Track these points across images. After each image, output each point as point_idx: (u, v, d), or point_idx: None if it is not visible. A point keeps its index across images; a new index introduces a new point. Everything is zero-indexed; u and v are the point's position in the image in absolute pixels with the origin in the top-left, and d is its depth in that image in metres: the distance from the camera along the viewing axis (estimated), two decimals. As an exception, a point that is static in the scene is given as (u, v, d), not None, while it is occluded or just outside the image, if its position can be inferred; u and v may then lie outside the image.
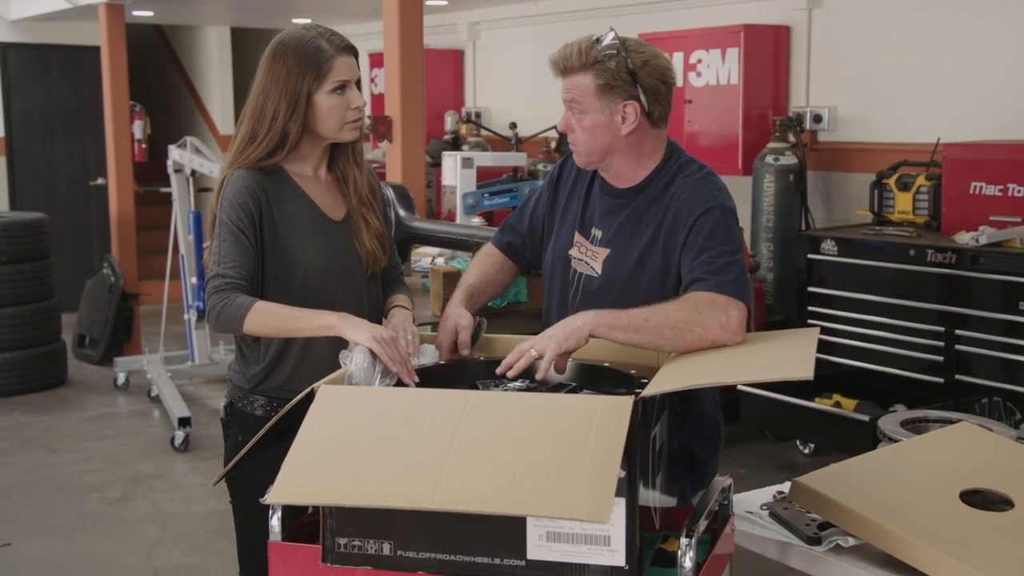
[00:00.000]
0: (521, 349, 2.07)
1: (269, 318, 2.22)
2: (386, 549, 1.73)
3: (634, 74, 2.22)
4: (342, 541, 1.75)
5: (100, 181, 8.69)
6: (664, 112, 2.30)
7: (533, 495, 1.58)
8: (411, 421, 1.73)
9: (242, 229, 2.30)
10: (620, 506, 1.65)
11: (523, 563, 1.69)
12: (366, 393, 1.91)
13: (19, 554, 4.48)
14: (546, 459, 1.62)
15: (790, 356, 1.95)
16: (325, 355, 2.34)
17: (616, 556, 1.66)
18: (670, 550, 1.82)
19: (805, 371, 1.82)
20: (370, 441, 1.71)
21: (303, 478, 1.69)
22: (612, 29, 2.26)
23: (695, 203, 2.23)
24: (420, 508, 1.61)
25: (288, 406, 1.95)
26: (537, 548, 1.68)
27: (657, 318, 2.05)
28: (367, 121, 4.99)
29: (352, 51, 2.37)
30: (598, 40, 2.23)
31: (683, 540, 1.72)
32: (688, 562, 1.72)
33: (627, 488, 1.66)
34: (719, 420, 2.43)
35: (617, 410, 1.67)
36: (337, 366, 2.08)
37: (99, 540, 4.62)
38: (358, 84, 2.40)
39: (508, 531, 1.68)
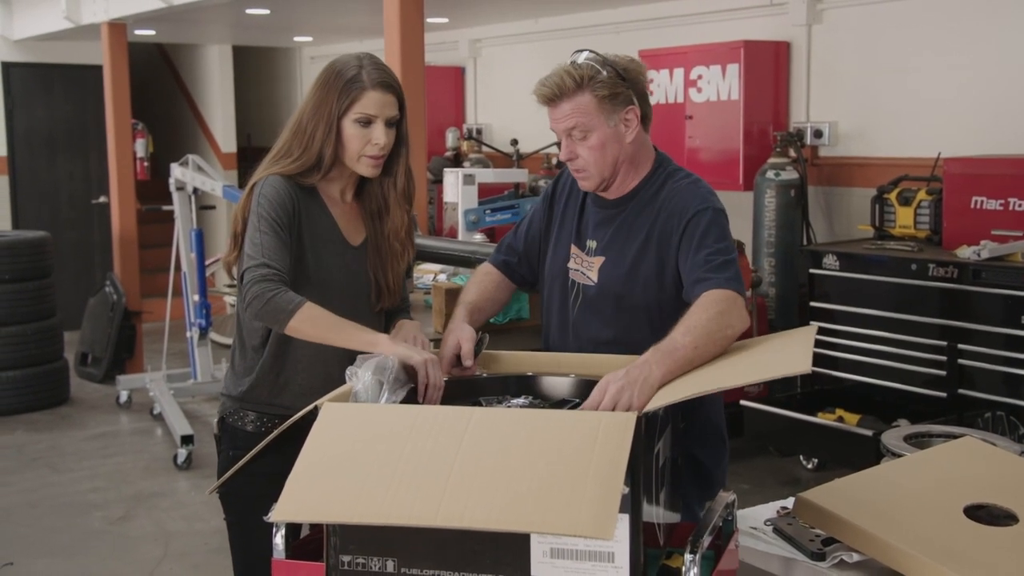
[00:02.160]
0: (605, 403, 1.92)
1: (319, 320, 2.20)
2: (390, 566, 1.73)
3: (625, 79, 2.26)
4: (346, 559, 1.75)
5: (102, 199, 8.72)
6: (650, 114, 2.35)
7: (537, 512, 1.58)
8: (415, 438, 1.73)
9: (281, 226, 2.30)
10: (624, 523, 1.65)
11: None
12: (370, 410, 1.91)
13: (21, 574, 4.46)
14: (549, 476, 1.62)
15: (787, 353, 1.96)
16: (319, 373, 2.35)
17: (620, 573, 1.66)
18: (674, 566, 1.81)
19: (803, 366, 1.85)
20: (373, 458, 1.71)
21: (307, 496, 1.68)
22: (581, 50, 2.29)
23: (686, 205, 2.28)
24: (424, 525, 1.61)
25: (289, 422, 1.95)
26: (541, 565, 1.68)
27: (700, 339, 2.04)
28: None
29: (390, 88, 2.35)
30: (573, 63, 2.26)
31: (687, 556, 1.72)
32: None
33: (631, 504, 1.66)
34: (722, 425, 2.44)
35: (620, 426, 1.67)
36: (329, 385, 2.08)
37: (102, 559, 4.61)
38: (396, 124, 2.38)
39: (512, 548, 1.68)
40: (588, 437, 1.66)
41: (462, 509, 1.59)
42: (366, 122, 2.33)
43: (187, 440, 5.80)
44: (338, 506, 1.67)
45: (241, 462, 2.10)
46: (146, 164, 8.43)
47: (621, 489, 1.58)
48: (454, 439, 1.70)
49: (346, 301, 2.39)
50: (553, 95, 2.25)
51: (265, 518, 1.71)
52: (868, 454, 4.14)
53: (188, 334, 6.82)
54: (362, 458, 1.73)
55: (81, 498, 5.34)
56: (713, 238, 2.23)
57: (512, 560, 1.68)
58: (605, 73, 2.24)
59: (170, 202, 6.89)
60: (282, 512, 1.67)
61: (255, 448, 2.10)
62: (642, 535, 1.69)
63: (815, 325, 2.18)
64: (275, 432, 2.01)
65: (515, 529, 1.59)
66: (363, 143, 2.34)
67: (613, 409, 1.89)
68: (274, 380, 2.41)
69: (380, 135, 2.34)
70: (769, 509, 2.26)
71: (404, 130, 2.42)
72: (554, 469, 1.63)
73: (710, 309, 2.11)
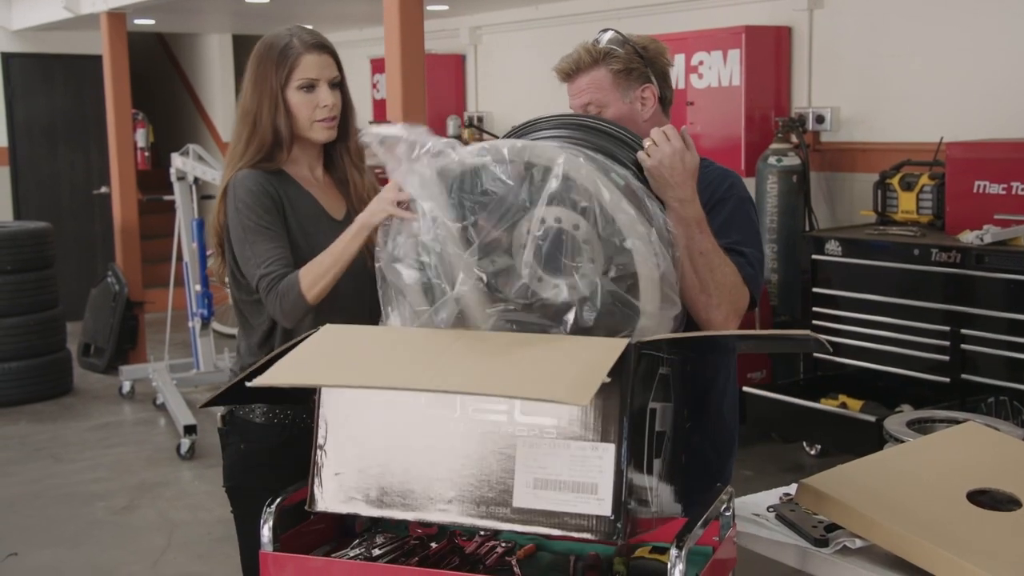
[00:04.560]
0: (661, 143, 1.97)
1: (318, 270, 2.21)
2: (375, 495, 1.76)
3: (643, 57, 2.26)
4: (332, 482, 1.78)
5: (103, 190, 8.71)
6: (671, 98, 2.34)
7: (515, 381, 1.60)
8: (406, 341, 1.78)
9: (267, 225, 2.30)
10: (608, 452, 1.65)
11: (509, 510, 1.68)
12: (365, 329, 1.92)
13: (26, 564, 4.48)
14: (535, 363, 1.64)
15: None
16: None
17: (603, 505, 1.65)
18: (664, 561, 1.79)
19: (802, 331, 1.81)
20: (364, 349, 1.76)
21: (295, 367, 1.72)
22: (606, 29, 2.30)
23: (717, 184, 2.25)
24: (406, 387, 1.65)
25: (293, 342, 1.91)
26: (524, 496, 1.68)
27: (717, 265, 2.03)
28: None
29: (324, 49, 2.37)
30: (595, 40, 2.28)
31: (672, 552, 1.69)
32: (678, 574, 1.70)
33: (616, 435, 1.65)
34: (735, 424, 2.43)
35: (611, 344, 1.68)
36: None
37: (105, 549, 4.62)
38: (338, 84, 2.40)
39: (496, 478, 1.69)
40: (578, 345, 1.68)
41: (445, 377, 1.63)
42: (309, 87, 2.35)
43: (190, 430, 5.80)
44: (324, 372, 1.71)
45: (242, 375, 2.05)
46: (147, 154, 8.41)
47: (604, 373, 1.57)
48: (446, 342, 1.74)
49: (346, 275, 2.33)
50: (571, 70, 2.27)
51: (247, 383, 1.72)
52: (871, 440, 4.14)
53: (190, 324, 6.83)
54: (353, 348, 1.77)
55: (84, 488, 5.35)
56: (742, 227, 2.19)
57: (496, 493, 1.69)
58: (622, 50, 2.25)
59: (171, 192, 6.89)
60: (270, 377, 1.69)
61: (255, 364, 2.07)
62: (627, 483, 1.66)
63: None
64: (273, 353, 1.93)
65: (491, 393, 1.61)
66: (312, 108, 2.36)
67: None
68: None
69: (326, 96, 2.36)
70: (772, 495, 2.26)
71: (347, 92, 2.44)
72: (541, 360, 1.65)
73: (737, 279, 2.07)
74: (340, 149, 2.46)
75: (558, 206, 1.76)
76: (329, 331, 1.85)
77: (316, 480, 1.78)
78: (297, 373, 1.74)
